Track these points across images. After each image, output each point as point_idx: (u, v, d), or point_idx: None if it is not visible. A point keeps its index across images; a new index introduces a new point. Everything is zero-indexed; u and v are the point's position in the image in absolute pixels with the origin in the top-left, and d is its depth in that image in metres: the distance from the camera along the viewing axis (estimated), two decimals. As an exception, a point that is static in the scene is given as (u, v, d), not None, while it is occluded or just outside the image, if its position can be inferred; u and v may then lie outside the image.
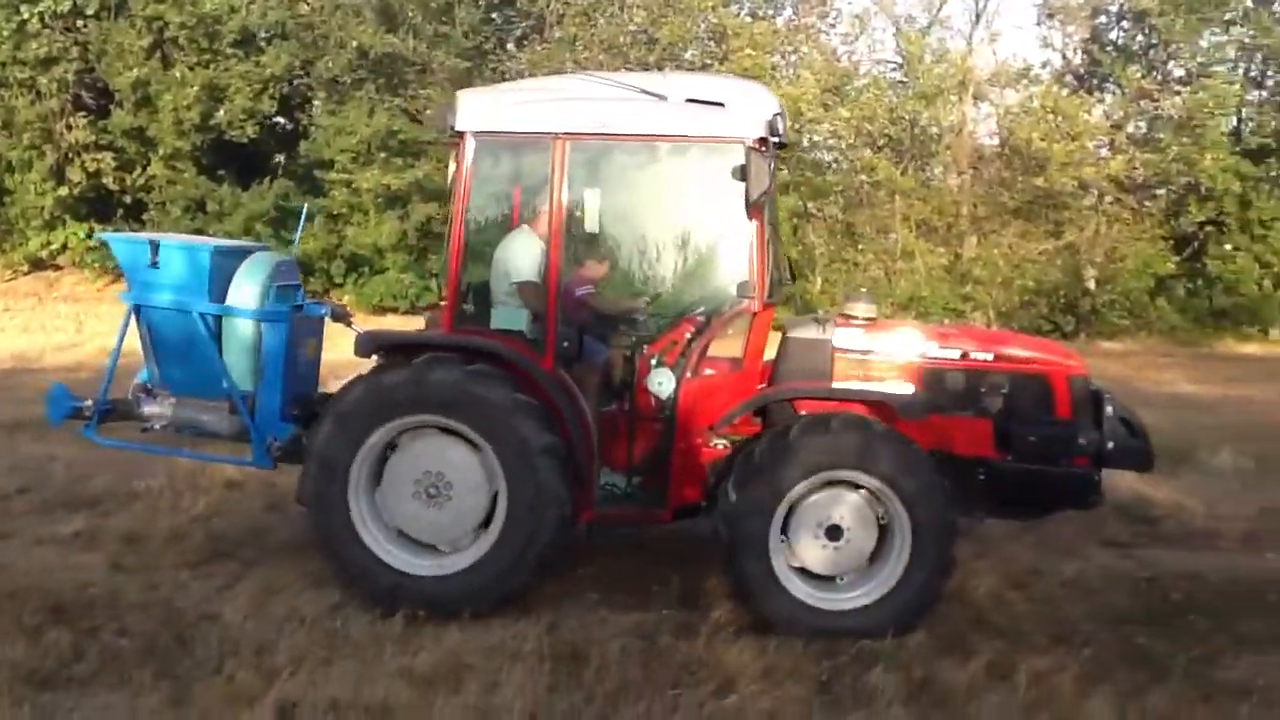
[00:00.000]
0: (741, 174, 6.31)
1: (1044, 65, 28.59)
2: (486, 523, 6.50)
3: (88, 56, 26.14)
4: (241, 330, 7.16)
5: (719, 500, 6.34)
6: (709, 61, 25.79)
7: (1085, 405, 6.77)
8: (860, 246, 26.81)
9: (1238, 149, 27.03)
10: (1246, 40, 27.70)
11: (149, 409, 7.38)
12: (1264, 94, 29.30)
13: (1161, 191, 27.57)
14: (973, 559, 7.37)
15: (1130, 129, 27.36)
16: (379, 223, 25.73)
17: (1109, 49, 28.63)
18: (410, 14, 25.77)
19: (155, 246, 7.18)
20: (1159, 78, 27.57)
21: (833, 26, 27.90)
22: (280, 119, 28.20)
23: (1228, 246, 27.27)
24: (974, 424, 6.73)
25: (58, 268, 27.59)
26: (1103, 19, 29.22)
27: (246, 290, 7.12)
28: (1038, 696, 5.47)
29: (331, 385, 7.61)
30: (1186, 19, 26.37)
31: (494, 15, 27.99)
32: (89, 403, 7.43)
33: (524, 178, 7.16)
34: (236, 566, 7.31)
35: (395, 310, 25.56)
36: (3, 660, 5.51)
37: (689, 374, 6.57)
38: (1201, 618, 6.71)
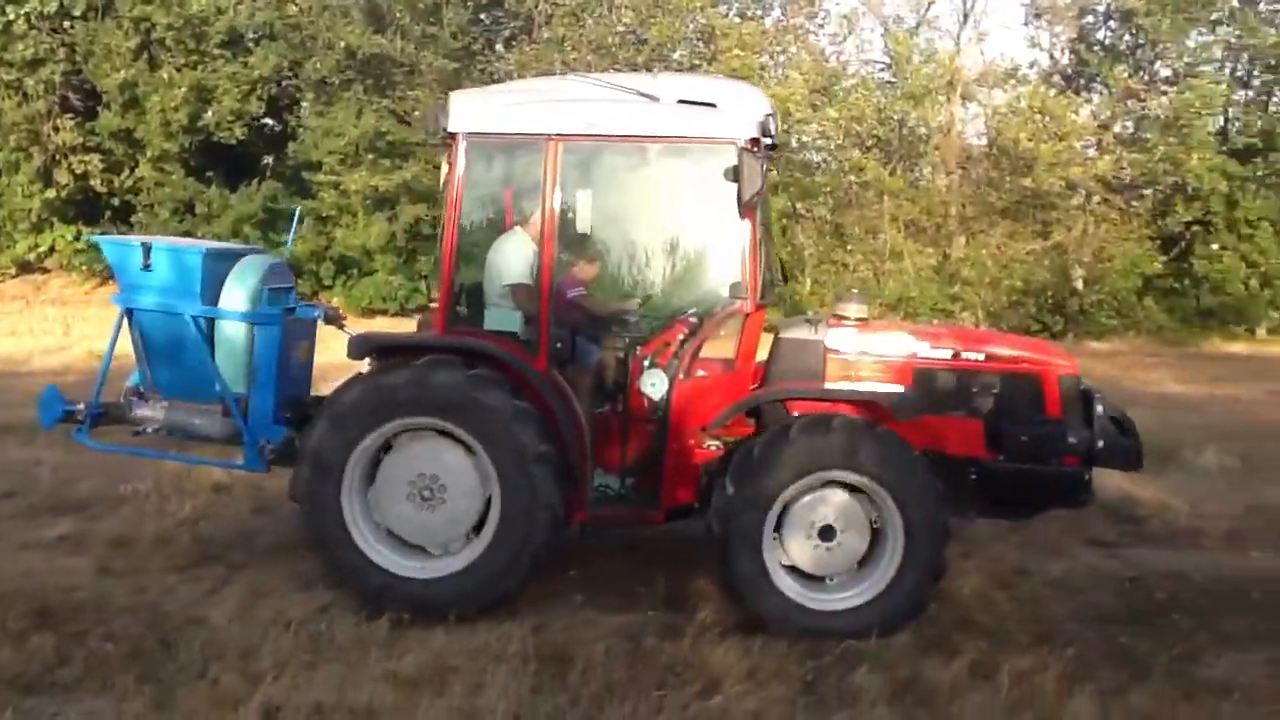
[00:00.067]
0: (734, 175, 6.34)
1: (1031, 65, 28.81)
2: (478, 527, 6.51)
3: (75, 58, 26.08)
4: (234, 333, 7.14)
5: (714, 495, 6.35)
6: (697, 62, 25.81)
7: (1076, 404, 6.81)
8: (849, 247, 26.87)
9: (1224, 149, 27.13)
10: (1233, 40, 27.80)
11: (141, 412, 7.36)
12: (1250, 94, 29.42)
13: (1148, 191, 27.65)
14: (960, 559, 7.40)
15: (1117, 129, 27.43)
16: (368, 224, 25.72)
17: (1096, 49, 28.72)
18: (398, 15, 25.75)
19: (147, 249, 7.16)
20: (1146, 78, 27.65)
21: (821, 27, 27.98)
22: (268, 120, 28.15)
23: (1214, 246, 27.37)
24: (965, 424, 6.77)
25: (45, 270, 27.55)
26: (1090, 19, 29.32)
27: (239, 293, 7.10)
28: (1020, 696, 5.50)
29: (322, 388, 7.62)
30: (1173, 19, 26.46)
31: (482, 16, 27.98)
32: (81, 406, 7.38)
33: (516, 179, 7.16)
34: (223, 570, 7.31)
35: (384, 312, 25.55)
36: (-12, 665, 5.50)
37: (681, 375, 6.59)
38: (1185, 616, 6.75)
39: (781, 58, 27.50)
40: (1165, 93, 26.67)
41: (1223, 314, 27.86)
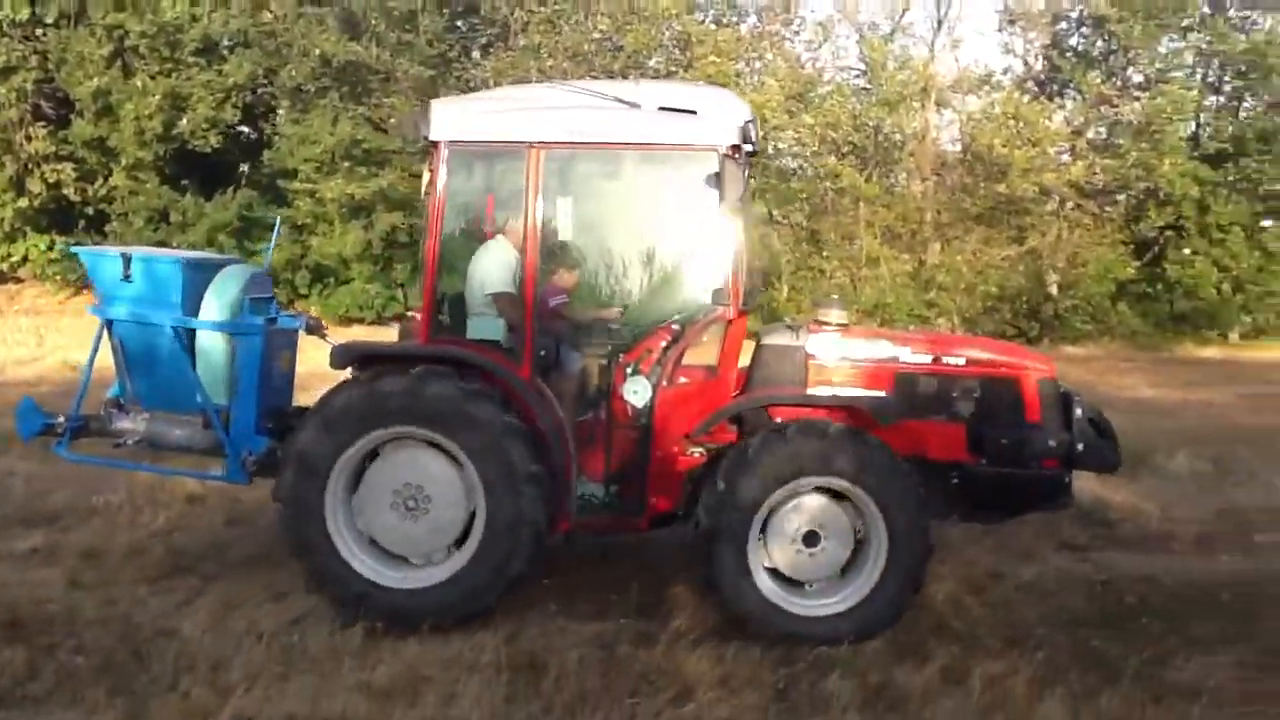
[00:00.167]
0: (715, 181, 6.36)
1: (1005, 71, 28.98)
2: (460, 540, 6.50)
3: (47, 66, 25.94)
4: (215, 344, 7.10)
5: (704, 491, 6.35)
6: (673, 69, 25.91)
7: (1055, 408, 6.86)
8: (825, 253, 26.97)
9: (1196, 154, 27.44)
10: (1204, 46, 28.10)
11: (121, 424, 7.29)
12: (1221, 99, 29.75)
13: (1121, 197, 27.93)
14: (934, 564, 7.39)
15: (1090, 135, 27.70)
16: (344, 233, 25.68)
17: (1069, 55, 28.98)
18: (374, 22, 25.75)
19: (127, 260, 7.10)
20: (1118, 84, 27.92)
21: (796, 34, 28.18)
22: (244, 128, 28.08)
23: (1187, 251, 27.67)
24: (946, 428, 6.82)
25: (18, 280, 27.37)
26: (1063, 25, 29.61)
27: (220, 303, 7.06)
28: (991, 700, 5.52)
29: (302, 398, 7.59)
30: (1145, 25, 26.74)
31: (458, 23, 28.03)
32: (61, 418, 7.30)
33: (498, 187, 7.16)
34: (196, 582, 7.26)
35: (361, 321, 25.51)
36: (-43, 679, 5.46)
37: (664, 382, 6.59)
38: (1155, 620, 6.80)
39: (757, 64, 27.68)
40: (1137, 98, 26.96)
41: (1196, 319, 28.15)
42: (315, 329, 7.87)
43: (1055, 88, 29.26)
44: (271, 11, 26.20)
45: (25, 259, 26.79)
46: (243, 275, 7.30)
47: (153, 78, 25.61)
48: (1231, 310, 27.82)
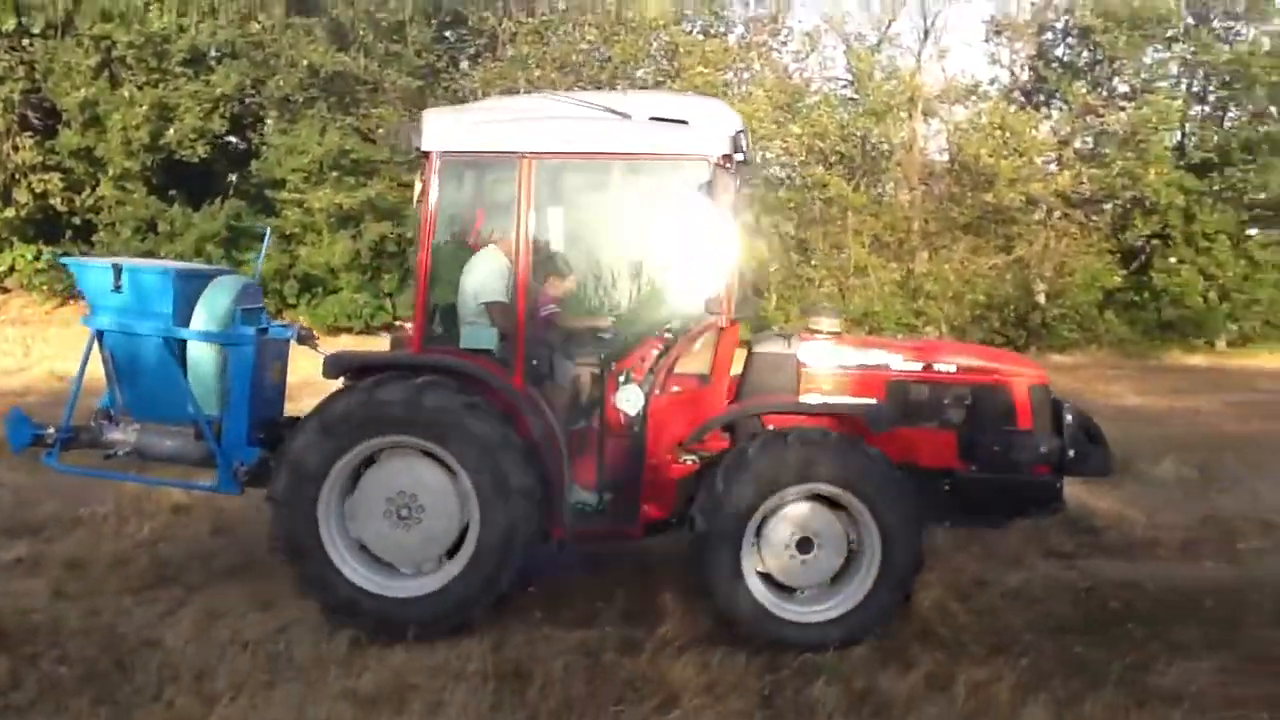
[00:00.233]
0: (707, 190, 6.38)
1: (992, 82, 29.10)
2: (451, 550, 6.50)
3: (34, 76, 25.89)
4: (206, 354, 7.08)
5: (702, 492, 6.36)
6: (661, 79, 25.96)
7: (1046, 414, 6.90)
8: (814, 262, 27.04)
9: (1181, 163, 27.57)
10: (1188, 57, 28.28)
11: (112, 435, 7.26)
12: (1206, 109, 29.93)
13: (1108, 206, 28.07)
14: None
15: (1077, 144, 27.82)
16: (332, 242, 25.67)
17: (1055, 66, 29.11)
18: (361, 33, 25.77)
19: (118, 270, 7.08)
20: (1104, 94, 28.08)
21: (784, 44, 28.24)
22: (232, 138, 28.06)
23: (1173, 260, 27.78)
24: (938, 435, 6.84)
25: (5, 290, 27.29)
26: (1049, 36, 29.73)
27: (211, 314, 7.05)
28: (976, 706, 5.54)
29: (291, 408, 7.58)
30: (1130, 36, 26.89)
31: (446, 34, 28.05)
32: (51, 430, 7.27)
33: (490, 197, 7.17)
34: (180, 591, 7.24)
35: (350, 330, 25.48)
36: (-61, 689, 5.44)
37: (657, 390, 6.61)
38: (1138, 626, 6.81)
39: (745, 75, 27.75)
40: (1123, 108, 27.11)
41: (1182, 327, 28.26)
42: (306, 339, 7.87)
43: (1041, 98, 29.40)
44: (259, 22, 26.21)
45: (12, 269, 26.72)
46: (234, 286, 7.29)
47: (140, 88, 25.59)
48: (1218, 318, 27.93)
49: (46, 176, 25.80)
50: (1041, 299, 27.81)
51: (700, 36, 27.34)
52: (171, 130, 25.59)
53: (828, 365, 6.90)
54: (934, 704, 5.59)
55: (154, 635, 6.38)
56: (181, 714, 5.27)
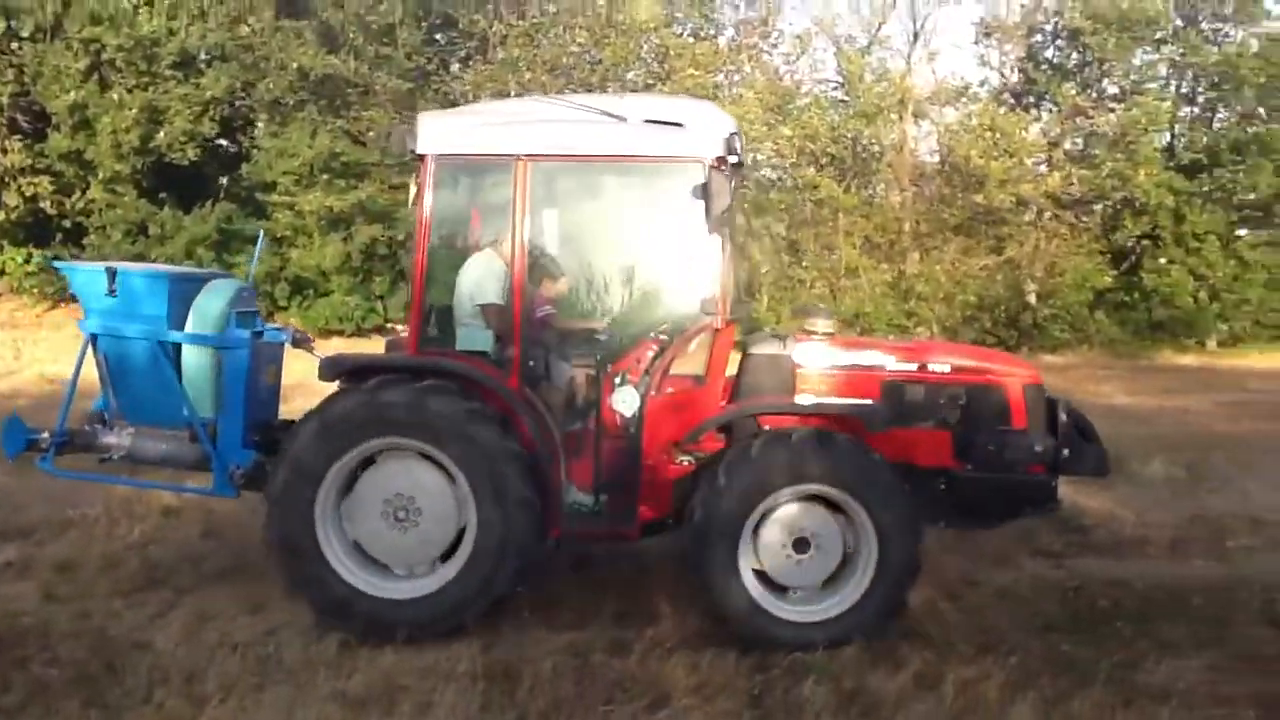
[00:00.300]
0: (702, 192, 6.41)
1: (982, 84, 29.21)
2: (446, 554, 6.51)
3: (23, 79, 25.78)
4: (202, 357, 7.09)
5: (702, 484, 6.38)
6: (651, 81, 25.98)
7: (1040, 413, 6.93)
8: (805, 264, 27.07)
9: (1171, 164, 27.66)
10: (1177, 58, 28.40)
11: (107, 439, 7.25)
12: (1195, 110, 30.03)
13: (1098, 207, 28.14)
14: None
15: (1066, 146, 27.89)
16: (323, 245, 25.61)
17: (1044, 67, 29.19)
18: (351, 35, 25.73)
19: (113, 274, 7.07)
20: (1093, 95, 28.18)
21: (774, 47, 28.25)
22: (222, 141, 27.98)
23: (1163, 260, 27.87)
24: (934, 435, 6.87)
25: (-5, 293, 27.18)
26: (1038, 38, 29.82)
27: (206, 318, 7.06)
28: (964, 705, 5.56)
29: (285, 410, 7.60)
30: (1119, 38, 26.99)
31: (437, 36, 28.04)
32: (45, 434, 7.25)
33: (486, 199, 7.19)
34: (170, 594, 7.25)
35: (341, 333, 25.43)
36: (-72, 693, 5.44)
37: (653, 391, 6.63)
38: (1127, 624, 6.84)
39: (736, 77, 27.76)
40: (1112, 110, 27.19)
41: (1173, 327, 28.35)
42: (302, 342, 7.87)
43: (1031, 100, 29.47)
44: (249, 25, 26.15)
45: (2, 272, 26.57)
46: (228, 289, 7.30)
47: (130, 91, 25.48)
48: (1208, 318, 28.03)
49: (36, 180, 25.68)
50: (1032, 299, 27.88)
51: (691, 39, 27.35)
52: (161, 133, 25.49)
53: (823, 366, 6.92)
54: (923, 703, 5.61)
55: (144, 638, 6.39)
56: (171, 716, 5.28)
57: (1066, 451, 6.84)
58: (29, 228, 26.56)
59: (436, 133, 6.74)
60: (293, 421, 6.83)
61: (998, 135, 26.08)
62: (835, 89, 28.60)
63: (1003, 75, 30.01)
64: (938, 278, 26.78)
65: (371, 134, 25.68)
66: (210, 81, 25.94)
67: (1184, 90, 29.72)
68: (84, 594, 7.18)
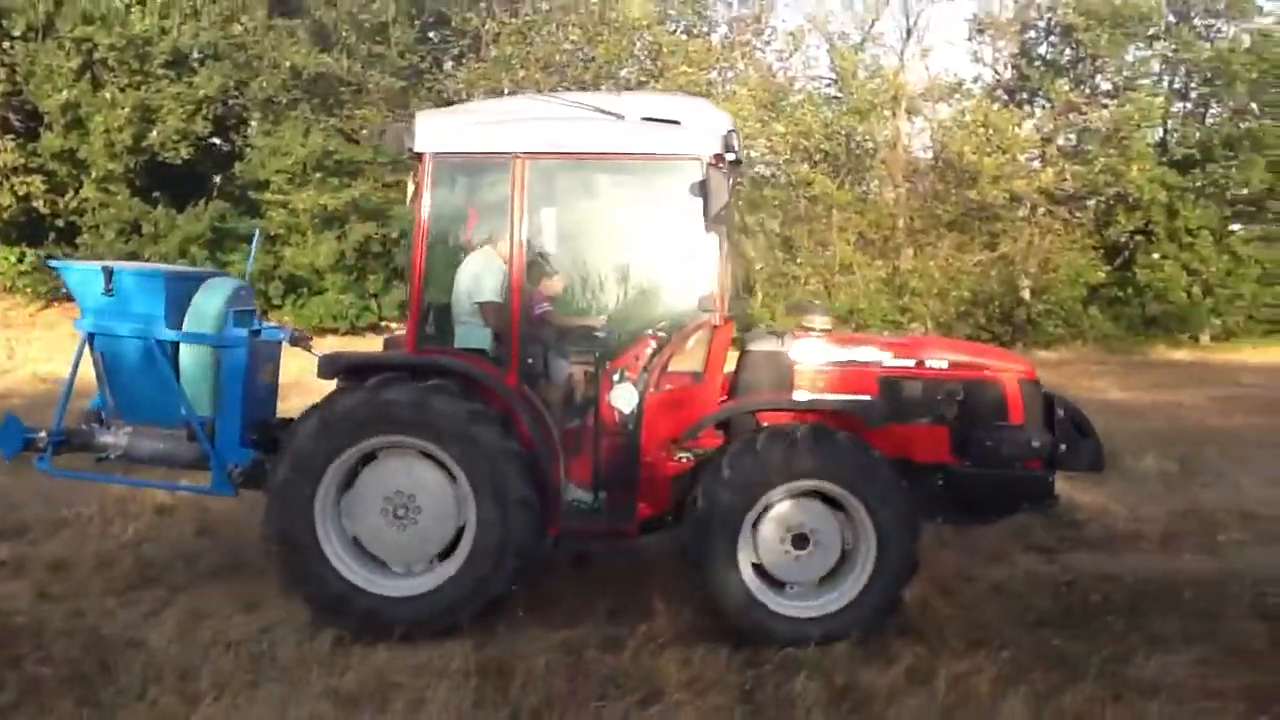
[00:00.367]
0: (700, 190, 6.42)
1: (975, 80, 29.26)
2: (445, 552, 6.52)
3: (15, 78, 25.72)
4: (199, 356, 7.09)
5: (706, 474, 6.39)
6: (644, 79, 25.95)
7: (1037, 409, 6.95)
8: (799, 260, 27.09)
9: (1164, 160, 27.73)
10: (1169, 54, 28.48)
11: (105, 438, 7.25)
12: (1188, 106, 30.10)
13: (1091, 202, 28.21)
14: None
15: (1060, 141, 27.93)
16: (316, 243, 25.60)
17: (1037, 63, 29.26)
18: (344, 34, 25.69)
19: (109, 273, 7.07)
20: (1086, 91, 28.23)
21: (768, 44, 28.28)
22: (215, 140, 27.94)
23: (1156, 255, 27.94)
24: (931, 431, 6.89)
25: (-12, 293, 27.12)
26: (1031, 34, 29.91)
27: (204, 316, 7.06)
28: (956, 699, 5.57)
29: (282, 409, 7.59)
30: (1111, 34, 27.04)
31: (430, 35, 28.00)
32: (43, 434, 7.24)
33: (484, 198, 7.19)
34: (164, 592, 7.25)
35: (335, 331, 25.41)
36: (-79, 693, 5.44)
37: (651, 389, 6.63)
38: (1118, 618, 6.86)
39: (729, 74, 27.76)
40: (1105, 106, 27.27)
41: (1166, 322, 28.42)
42: (300, 341, 7.88)
43: (1024, 96, 29.55)
44: (241, 24, 26.12)
45: (-5, 271, 26.58)
46: (226, 288, 7.30)
47: (122, 90, 25.42)
48: (1201, 313, 28.10)
49: (29, 179, 25.62)
50: (1026, 295, 27.93)
51: (684, 36, 27.35)
52: (154, 132, 25.44)
53: (821, 362, 6.93)
54: (914, 698, 5.61)
55: (138, 636, 6.39)
56: (164, 714, 5.28)
57: (1063, 447, 6.87)
58: (22, 227, 26.51)
59: (434, 131, 6.76)
60: (291, 420, 6.84)
61: (991, 131, 26.12)
62: (828, 85, 28.68)
63: (996, 71, 30.11)
64: (932, 274, 26.83)
65: (365, 132, 25.68)
66: (203, 80, 25.91)
67: (1177, 86, 29.83)
68: (78, 593, 7.18)
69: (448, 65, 27.59)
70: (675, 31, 27.49)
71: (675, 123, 6.69)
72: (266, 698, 5.50)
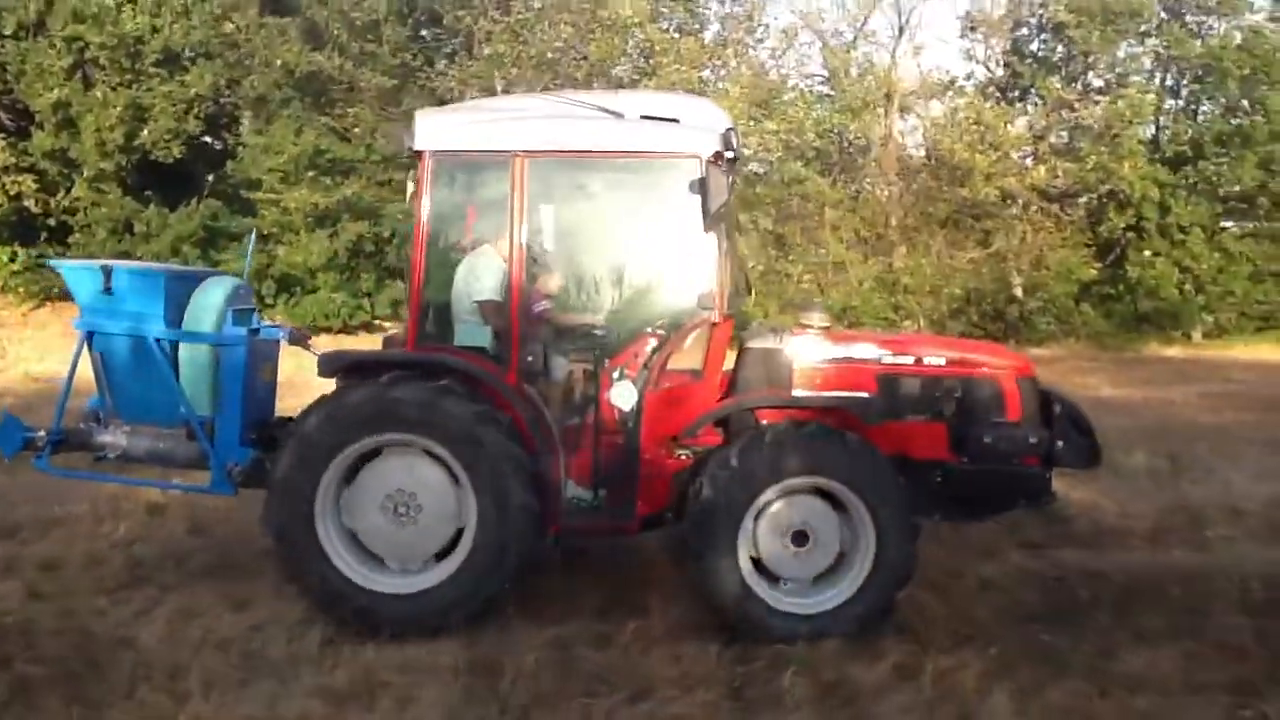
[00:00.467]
0: (699, 188, 6.44)
1: (967, 77, 29.28)
2: (442, 553, 6.53)
3: (5, 77, 25.68)
4: (199, 355, 7.08)
5: (713, 462, 6.42)
6: (637, 77, 25.95)
7: (1034, 405, 6.98)
8: (791, 258, 27.11)
9: (1155, 157, 27.79)
10: (1161, 51, 28.52)
11: (103, 438, 7.24)
12: (1179, 103, 30.15)
13: (1083, 200, 28.25)
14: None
15: (1051, 139, 27.98)
16: (309, 242, 25.58)
17: (1029, 61, 29.33)
18: (336, 32, 25.67)
19: (108, 272, 7.06)
20: (1078, 88, 28.25)
21: (760, 42, 28.24)
22: (207, 138, 27.91)
23: (1148, 252, 27.98)
24: (929, 428, 6.92)
25: (-20, 292, 27.06)
26: (1023, 31, 29.98)
27: (203, 315, 7.05)
28: (941, 694, 5.60)
29: (280, 408, 7.60)
30: (1103, 31, 27.10)
31: (422, 33, 27.99)
32: (42, 433, 7.23)
33: (484, 196, 7.20)
34: (155, 591, 7.24)
35: (329, 330, 25.38)
36: (-91, 693, 5.44)
37: (651, 386, 6.65)
38: (1105, 614, 6.88)
39: (722, 72, 27.73)
40: (1097, 103, 27.29)
41: (1158, 319, 28.47)
42: (299, 340, 7.87)
43: (1016, 93, 29.61)
44: (233, 22, 26.09)
45: (-13, 271, 26.52)
46: (225, 287, 7.29)
47: (114, 89, 25.38)
48: (1193, 310, 28.15)
49: (20, 178, 25.57)
50: (1018, 292, 27.97)
51: (676, 34, 27.33)
52: (146, 131, 25.40)
53: (819, 359, 6.95)
54: (901, 693, 5.65)
55: (128, 635, 6.39)
56: (153, 712, 5.29)
57: (1061, 443, 6.90)
58: (13, 226, 26.44)
59: (434, 130, 6.77)
60: (290, 419, 6.85)
61: (983, 129, 26.17)
62: (821, 83, 28.71)
63: (988, 69, 30.17)
64: (924, 271, 26.87)
65: (357, 130, 25.68)
66: (195, 79, 25.88)
67: (1168, 83, 29.88)
68: (68, 592, 7.18)
69: (440, 64, 27.54)
70: (668, 29, 27.47)
71: (674, 121, 6.73)
72: (255, 695, 5.53)
